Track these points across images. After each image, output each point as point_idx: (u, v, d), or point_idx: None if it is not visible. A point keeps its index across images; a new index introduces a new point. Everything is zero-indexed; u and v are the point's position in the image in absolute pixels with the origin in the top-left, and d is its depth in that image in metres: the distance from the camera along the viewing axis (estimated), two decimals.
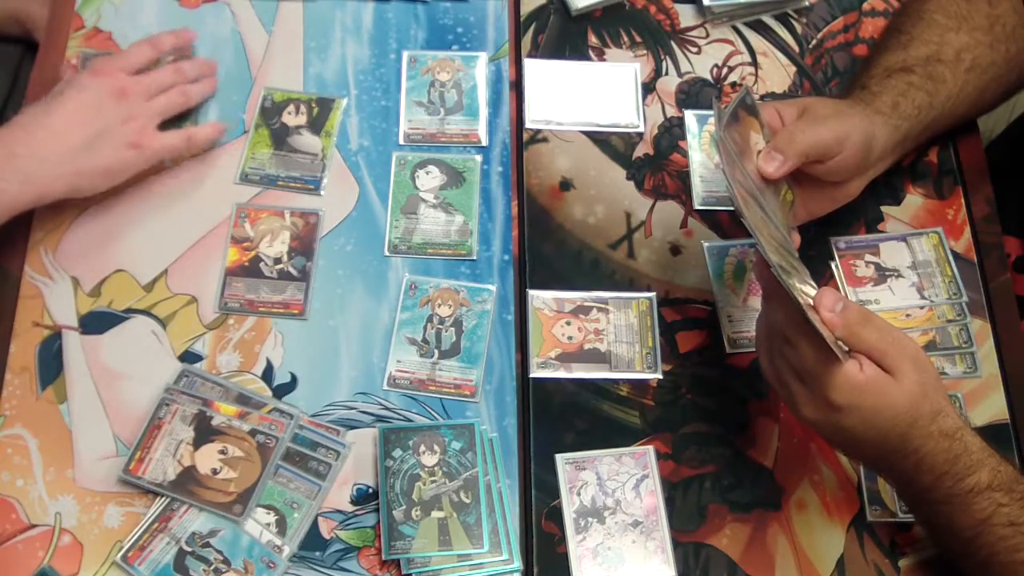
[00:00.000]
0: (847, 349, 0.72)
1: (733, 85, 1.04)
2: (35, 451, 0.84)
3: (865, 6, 1.09)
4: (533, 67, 1.03)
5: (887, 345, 0.72)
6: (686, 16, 1.07)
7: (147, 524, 0.81)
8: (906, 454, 0.73)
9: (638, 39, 1.06)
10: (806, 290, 0.73)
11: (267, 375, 0.88)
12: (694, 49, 1.06)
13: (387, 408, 0.87)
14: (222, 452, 0.83)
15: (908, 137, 0.90)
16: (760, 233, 0.72)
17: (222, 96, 1.00)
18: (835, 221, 0.94)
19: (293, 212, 0.94)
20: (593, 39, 1.05)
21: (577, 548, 0.82)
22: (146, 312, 0.90)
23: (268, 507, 0.82)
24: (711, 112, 1.02)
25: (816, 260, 0.94)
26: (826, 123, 0.83)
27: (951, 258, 0.94)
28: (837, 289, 0.86)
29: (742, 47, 1.06)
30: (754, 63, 1.05)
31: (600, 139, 1.00)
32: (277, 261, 0.92)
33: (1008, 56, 0.93)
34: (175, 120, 0.96)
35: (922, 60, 0.90)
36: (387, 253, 0.93)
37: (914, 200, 0.99)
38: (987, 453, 0.73)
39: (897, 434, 0.72)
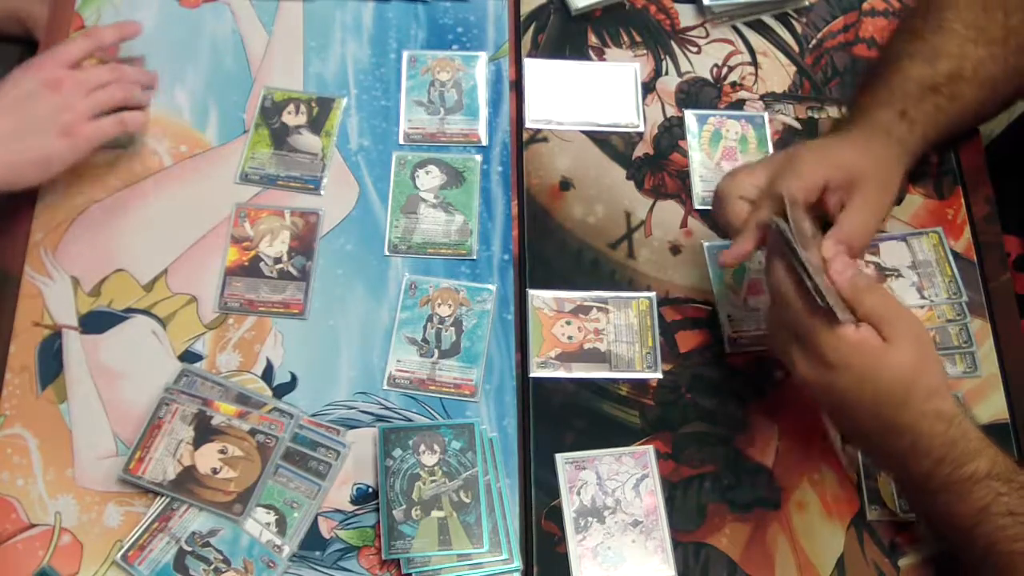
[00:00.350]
0: (851, 318, 0.73)
1: (733, 85, 1.04)
2: (35, 451, 0.84)
3: (865, 6, 1.09)
4: (533, 67, 1.03)
5: (890, 315, 0.73)
6: (686, 16, 1.07)
7: (147, 524, 0.81)
8: (901, 432, 0.73)
9: (638, 39, 1.06)
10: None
11: (267, 375, 0.88)
12: (694, 49, 1.06)
13: (387, 408, 0.87)
14: (222, 452, 0.83)
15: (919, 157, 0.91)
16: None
17: (222, 96, 1.00)
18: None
19: (293, 212, 0.94)
20: (593, 39, 1.05)
21: (577, 548, 0.82)
22: (146, 312, 0.90)
23: (268, 507, 0.82)
24: (711, 112, 1.02)
25: None
26: (882, 202, 0.82)
27: (951, 258, 0.94)
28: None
29: (742, 47, 1.06)
30: (754, 63, 1.05)
31: (600, 139, 1.00)
32: (277, 261, 0.92)
33: (1019, 68, 0.92)
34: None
35: (946, 78, 0.89)
36: (387, 253, 0.93)
37: (914, 200, 0.99)
38: (986, 443, 0.74)
39: (891, 405, 0.73)
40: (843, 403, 0.75)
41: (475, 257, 0.93)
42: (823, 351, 0.73)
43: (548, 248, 0.94)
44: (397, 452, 0.83)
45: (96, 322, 0.89)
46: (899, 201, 0.98)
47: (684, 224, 0.97)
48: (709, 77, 1.04)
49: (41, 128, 0.86)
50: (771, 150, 1.00)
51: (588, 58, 1.04)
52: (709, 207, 0.97)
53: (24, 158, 0.86)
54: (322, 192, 0.96)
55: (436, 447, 0.84)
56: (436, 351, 0.89)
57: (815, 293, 0.72)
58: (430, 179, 0.97)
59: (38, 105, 0.87)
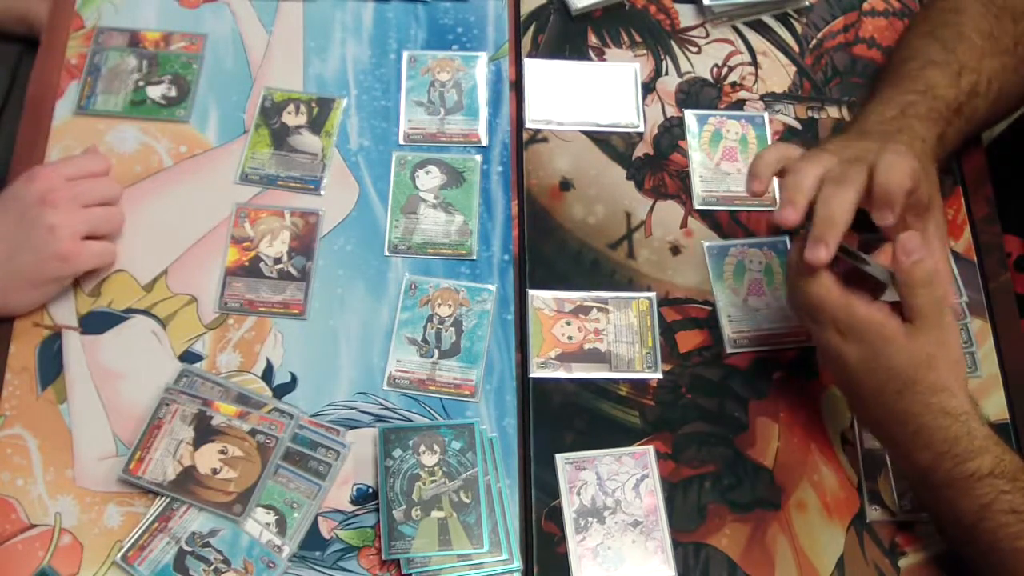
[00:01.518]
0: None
1: (733, 85, 1.04)
2: (35, 451, 0.84)
3: (865, 6, 1.09)
4: (533, 67, 1.03)
5: (926, 311, 0.74)
6: (686, 16, 1.07)
7: (147, 524, 0.81)
8: (902, 420, 0.74)
9: (638, 39, 1.06)
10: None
11: (267, 375, 0.88)
12: (694, 49, 1.06)
13: (387, 408, 0.87)
14: (222, 452, 0.83)
15: None
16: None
17: (222, 96, 1.00)
18: None
19: (293, 212, 0.94)
20: (593, 39, 1.05)
21: (577, 548, 0.82)
22: (146, 312, 0.90)
23: (268, 507, 0.82)
24: (711, 112, 1.02)
25: None
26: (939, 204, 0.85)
27: (951, 258, 0.94)
28: None
29: (742, 47, 1.06)
30: (754, 63, 1.05)
31: (600, 139, 1.00)
32: (277, 261, 0.92)
33: None
34: None
35: (967, 95, 0.89)
36: (387, 253, 0.93)
37: None
38: (992, 441, 0.74)
39: (893, 391, 0.74)
40: (852, 380, 0.76)
41: (475, 257, 0.93)
42: (840, 319, 0.75)
43: (548, 248, 0.94)
44: (397, 452, 0.83)
45: (96, 322, 0.89)
46: None
47: (684, 224, 0.97)
48: (709, 77, 1.04)
49: (34, 251, 0.85)
50: None
51: (588, 58, 1.04)
52: (709, 207, 0.97)
53: (17, 283, 0.86)
54: (322, 192, 0.96)
55: (436, 447, 0.84)
56: (436, 351, 0.89)
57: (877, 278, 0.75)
58: (430, 179, 0.97)
59: (31, 226, 0.85)
